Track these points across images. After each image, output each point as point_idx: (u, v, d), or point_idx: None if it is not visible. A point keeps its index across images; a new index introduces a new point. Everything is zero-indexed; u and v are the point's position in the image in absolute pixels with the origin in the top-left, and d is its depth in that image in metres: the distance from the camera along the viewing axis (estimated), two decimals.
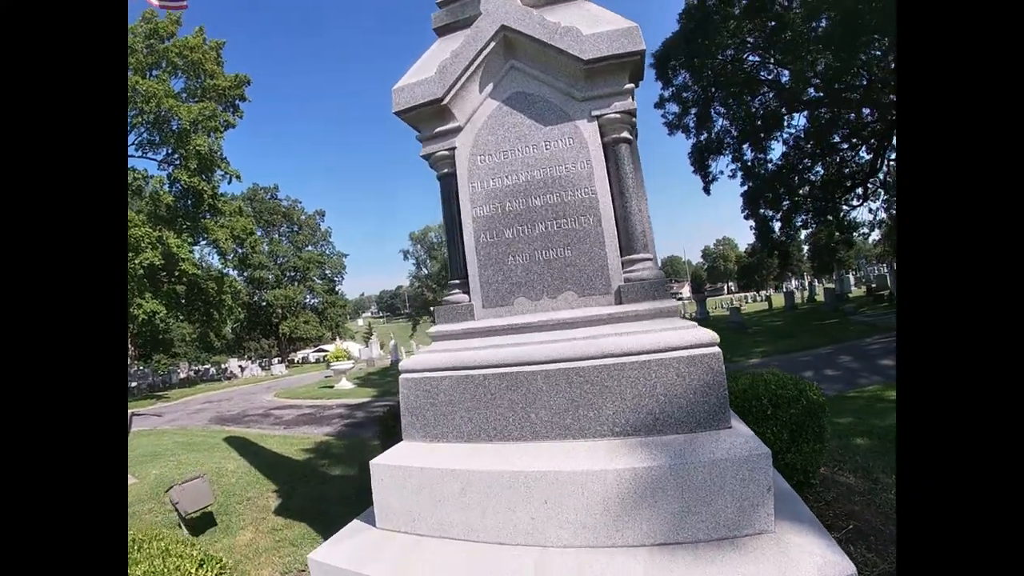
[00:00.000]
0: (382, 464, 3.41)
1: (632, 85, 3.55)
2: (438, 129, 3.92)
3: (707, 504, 2.57)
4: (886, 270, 36.41)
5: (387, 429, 6.39)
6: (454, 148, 3.89)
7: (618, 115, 3.45)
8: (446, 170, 3.95)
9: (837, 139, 25.29)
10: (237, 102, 30.05)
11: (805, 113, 24.84)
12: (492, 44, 3.65)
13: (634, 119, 3.66)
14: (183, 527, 5.71)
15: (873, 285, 33.96)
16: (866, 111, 23.41)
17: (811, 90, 22.92)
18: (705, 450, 2.68)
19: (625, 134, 3.60)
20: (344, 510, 5.42)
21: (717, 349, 2.99)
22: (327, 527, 5.00)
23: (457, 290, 3.91)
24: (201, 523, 5.92)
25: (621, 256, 3.54)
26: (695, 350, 2.98)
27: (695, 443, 2.78)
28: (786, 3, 21.86)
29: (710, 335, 3.04)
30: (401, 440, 3.73)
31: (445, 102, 3.77)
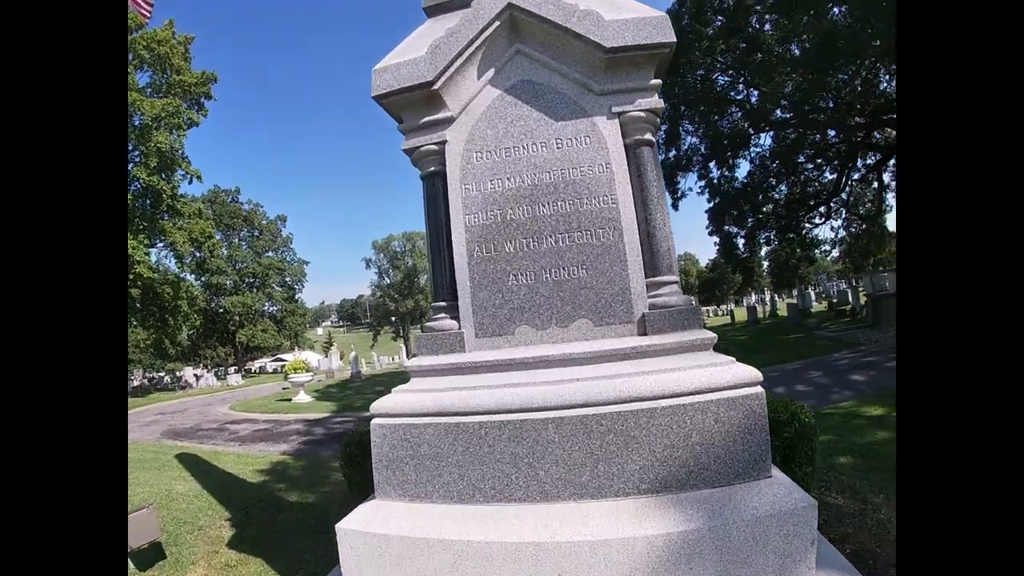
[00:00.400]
0: (352, 530, 2.77)
1: (658, 81, 3.08)
2: (426, 119, 3.29)
3: (747, 565, 2.31)
4: (846, 286, 37.75)
5: (351, 460, 5.66)
6: (444, 142, 3.27)
7: (642, 113, 3.06)
8: (432, 168, 3.31)
9: (802, 159, 26.06)
10: (203, 100, 29.43)
11: (772, 133, 25.37)
12: (496, 24, 3.15)
13: (659, 120, 3.20)
14: (129, 560, 4.99)
15: (834, 300, 34.69)
16: (831, 133, 24.15)
17: (778, 111, 23.33)
18: (747, 506, 2.40)
19: (649, 135, 3.12)
20: (302, 544, 5.16)
21: (760, 389, 2.68)
22: (284, 565, 4.80)
23: (443, 314, 3.25)
24: (149, 555, 5.27)
25: (645, 278, 3.01)
26: (736, 391, 2.63)
27: (734, 498, 2.47)
28: (757, 26, 22.17)
29: (752, 373, 2.70)
30: (373, 496, 3.06)
31: (436, 87, 3.15)
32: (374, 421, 3.04)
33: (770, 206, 26.66)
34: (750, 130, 25.07)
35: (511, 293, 3.08)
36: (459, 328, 3.16)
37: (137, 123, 25.81)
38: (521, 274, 3.07)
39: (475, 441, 2.79)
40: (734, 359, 2.87)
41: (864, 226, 28.22)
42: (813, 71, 18.46)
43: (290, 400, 20.84)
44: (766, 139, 25.88)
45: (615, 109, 3.04)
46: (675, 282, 3.07)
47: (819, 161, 25.88)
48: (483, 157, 3.19)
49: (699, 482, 2.56)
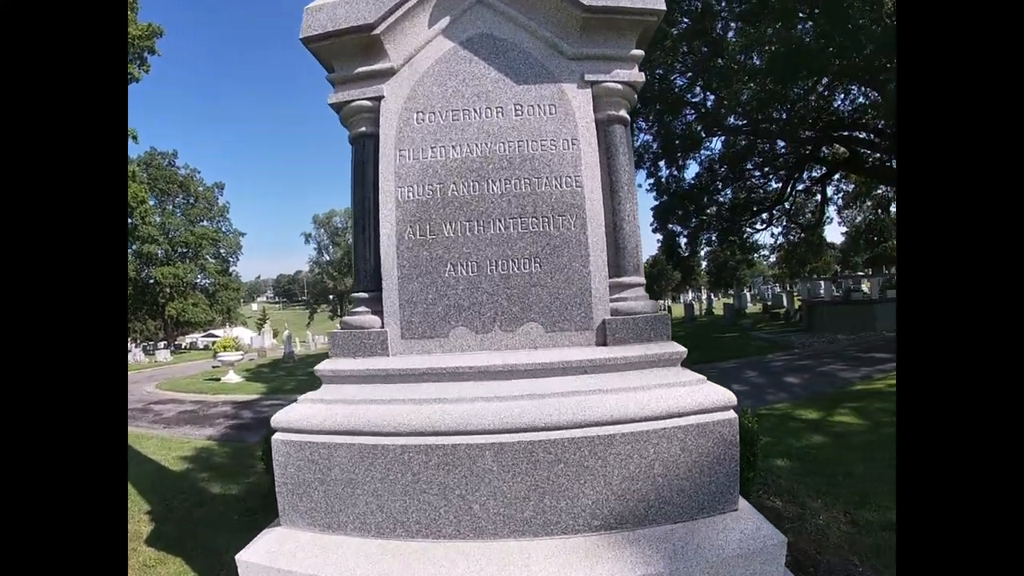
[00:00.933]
0: (253, 563, 2.29)
1: (640, 52, 2.72)
2: (361, 69, 2.74)
3: None
4: (780, 290, 38.87)
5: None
6: (380, 98, 2.71)
7: (619, 86, 2.71)
8: (363, 129, 2.76)
9: (750, 166, 26.53)
10: (145, 54, 27.58)
11: (723, 138, 25.87)
12: None
13: (636, 96, 2.82)
14: None
15: (769, 303, 35.00)
16: (781, 144, 24.57)
17: (732, 118, 23.77)
18: (712, 545, 2.16)
19: (624, 112, 2.76)
20: (225, 540, 4.73)
21: (733, 414, 2.40)
22: (205, 564, 4.42)
23: (364, 308, 2.70)
24: None
25: (609, 278, 2.57)
26: (707, 415, 2.34)
27: (698, 535, 2.22)
28: (721, 32, 22.35)
29: (725, 395, 2.43)
30: (277, 522, 2.53)
31: (378, 31, 2.62)
32: (276, 437, 2.49)
33: (714, 208, 27.00)
34: (702, 133, 25.41)
35: (447, 287, 2.55)
36: (382, 326, 2.61)
37: None
38: (461, 264, 2.55)
39: (396, 467, 2.27)
40: (704, 377, 2.53)
41: (803, 235, 29.13)
42: (773, 82, 18.57)
43: (219, 380, 19.96)
44: (717, 143, 26.19)
45: (588, 77, 2.65)
46: (641, 284, 2.67)
47: (766, 170, 26.43)
48: (425, 119, 2.65)
49: (659, 517, 2.26)
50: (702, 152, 26.08)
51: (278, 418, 2.52)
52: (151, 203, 39.32)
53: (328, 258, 75.16)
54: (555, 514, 2.22)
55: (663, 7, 2.65)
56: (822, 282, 23.14)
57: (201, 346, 47.77)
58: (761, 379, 12.86)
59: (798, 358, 15.48)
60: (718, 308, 37.80)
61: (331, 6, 2.70)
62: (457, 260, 2.55)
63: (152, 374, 27.02)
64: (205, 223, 54.68)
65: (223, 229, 56.59)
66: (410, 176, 2.61)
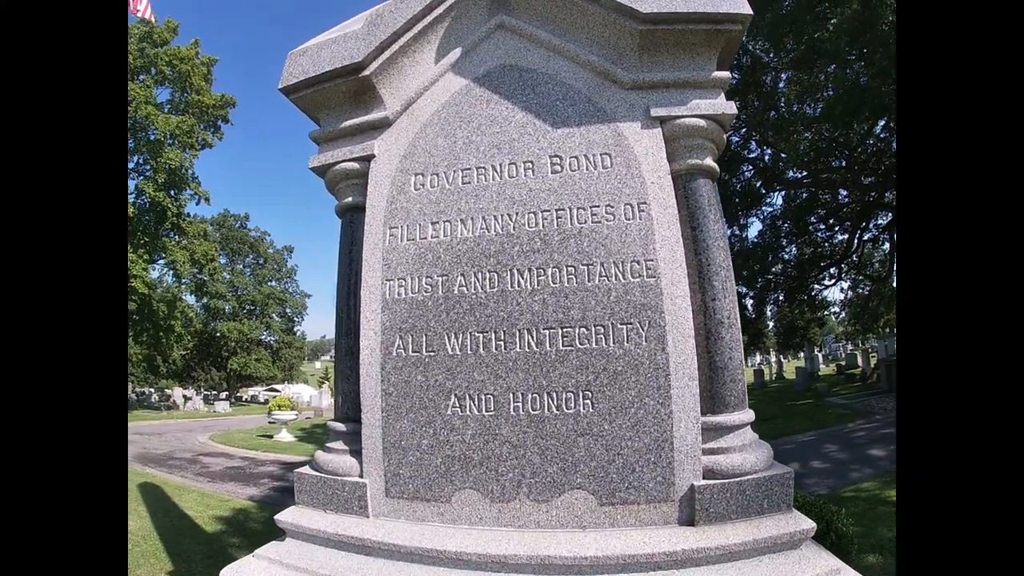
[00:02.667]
0: None
1: (725, 74, 1.95)
2: (349, 121, 2.11)
3: None
4: (853, 349, 37.23)
5: None
6: (370, 158, 2.03)
7: (702, 121, 1.89)
8: (350, 199, 2.11)
9: (814, 220, 25.86)
10: (220, 123, 29.03)
11: (783, 192, 25.59)
12: None
13: (725, 136, 2.00)
14: None
15: (843, 363, 33.80)
16: (843, 193, 23.90)
17: (791, 171, 23.50)
18: None
19: (710, 161, 1.94)
20: None
21: None
22: None
23: (339, 444, 1.96)
24: None
25: (702, 415, 1.68)
26: None
27: None
28: (771, 84, 22.22)
29: None
30: None
31: (368, 71, 2.00)
32: None
33: (779, 266, 26.33)
34: (762, 189, 25.25)
35: (450, 430, 1.74)
36: (361, 475, 1.83)
37: (151, 138, 25.81)
38: (471, 397, 1.74)
39: None
40: (842, 565, 1.65)
41: (873, 287, 27.90)
42: (831, 128, 18.05)
43: (271, 437, 19.98)
44: (778, 198, 25.61)
45: (656, 112, 1.88)
46: (748, 423, 1.78)
47: (831, 221, 25.79)
48: (426, 184, 1.92)
49: None
50: (764, 208, 25.25)
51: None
52: (221, 261, 41.67)
53: None
54: None
55: (748, 10, 1.89)
56: None
57: (262, 400, 49.28)
58: (842, 453, 11.88)
59: (881, 426, 14.37)
60: (789, 371, 36.72)
61: (315, 48, 2.13)
62: (464, 391, 1.75)
63: (208, 424, 27.63)
64: (273, 283, 57.28)
65: (290, 290, 59.11)
66: (402, 265, 1.86)
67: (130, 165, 27.30)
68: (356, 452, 1.87)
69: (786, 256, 25.91)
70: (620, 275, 1.73)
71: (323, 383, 43.28)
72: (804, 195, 23.96)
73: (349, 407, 1.92)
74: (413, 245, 1.87)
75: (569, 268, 1.75)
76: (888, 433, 12.75)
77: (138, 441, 18.73)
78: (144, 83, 25.44)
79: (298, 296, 59.08)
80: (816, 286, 26.94)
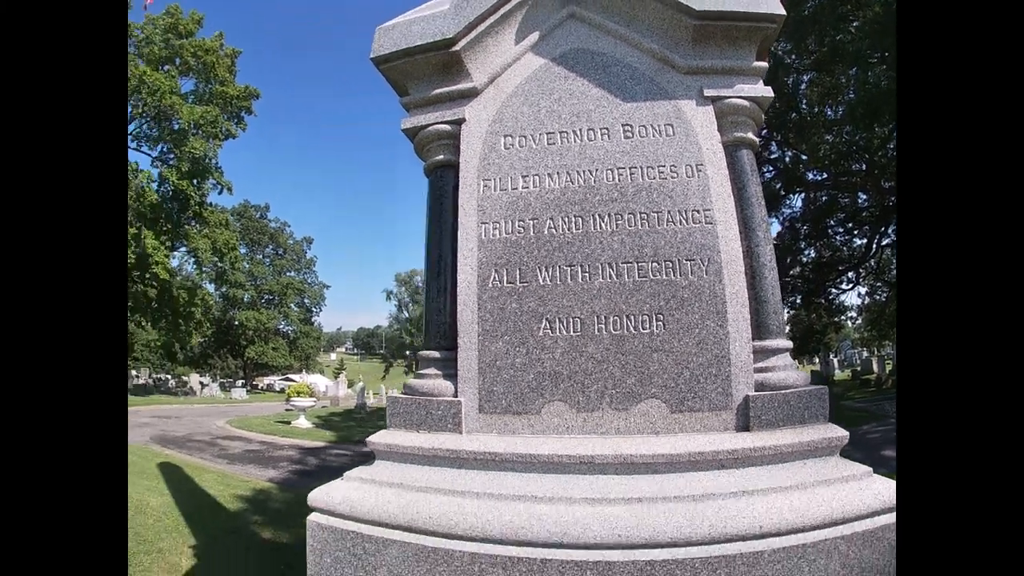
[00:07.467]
0: None
1: (763, 64, 2.34)
2: (439, 90, 2.39)
3: None
4: (868, 354, 37.32)
5: None
6: (460, 121, 2.33)
7: (745, 102, 2.27)
8: (441, 156, 2.38)
9: (833, 223, 25.37)
10: (243, 114, 29.37)
11: (803, 195, 25.13)
12: None
13: (763, 116, 2.37)
14: None
15: (858, 368, 33.80)
16: (863, 196, 23.40)
17: (811, 173, 23.15)
18: None
19: (751, 135, 2.31)
20: None
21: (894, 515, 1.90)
22: None
23: (433, 370, 2.23)
24: None
25: (752, 340, 2.01)
26: (874, 520, 1.83)
27: None
28: (792, 84, 21.94)
29: (891, 490, 1.92)
30: None
31: (458, 47, 2.29)
32: (312, 518, 2.04)
33: (797, 269, 25.80)
34: (782, 191, 24.75)
35: (542, 349, 2.03)
36: (455, 395, 2.12)
37: (175, 127, 26.11)
38: (560, 321, 2.03)
39: None
40: (871, 469, 1.99)
41: (891, 293, 27.32)
42: (854, 130, 17.86)
43: (289, 423, 20.15)
44: (797, 200, 25.17)
45: (708, 92, 2.24)
46: (788, 349, 2.11)
47: (850, 225, 25.29)
48: (515, 144, 2.23)
49: None
50: (783, 210, 24.82)
51: (316, 496, 2.07)
52: (242, 251, 41.82)
53: (407, 315, 76.65)
54: None
55: (782, 11, 2.28)
56: None
57: (277, 388, 49.49)
58: (857, 454, 12.42)
59: (895, 428, 14.78)
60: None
61: (405, 24, 2.42)
62: (555, 315, 2.04)
63: (225, 410, 27.70)
64: (292, 273, 57.97)
65: (308, 280, 59.85)
66: (496, 210, 2.17)
67: (153, 153, 27.78)
68: (449, 376, 2.17)
69: (804, 259, 25.60)
70: (683, 221, 2.06)
71: (339, 374, 43.74)
72: (824, 198, 23.72)
73: (441, 337, 2.22)
74: (505, 195, 2.18)
75: (642, 214, 2.07)
76: None
77: (156, 424, 18.94)
78: (169, 73, 25.75)
79: (316, 287, 59.91)
80: (833, 290, 26.51)
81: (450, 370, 2.18)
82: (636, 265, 2.02)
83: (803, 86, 20.20)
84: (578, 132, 2.19)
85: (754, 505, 1.73)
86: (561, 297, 2.04)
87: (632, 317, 1.99)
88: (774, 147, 23.45)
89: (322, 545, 1.96)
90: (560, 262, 2.06)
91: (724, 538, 1.66)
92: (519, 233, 2.12)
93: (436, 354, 2.22)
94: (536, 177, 2.16)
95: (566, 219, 2.10)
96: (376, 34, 2.46)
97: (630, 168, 2.11)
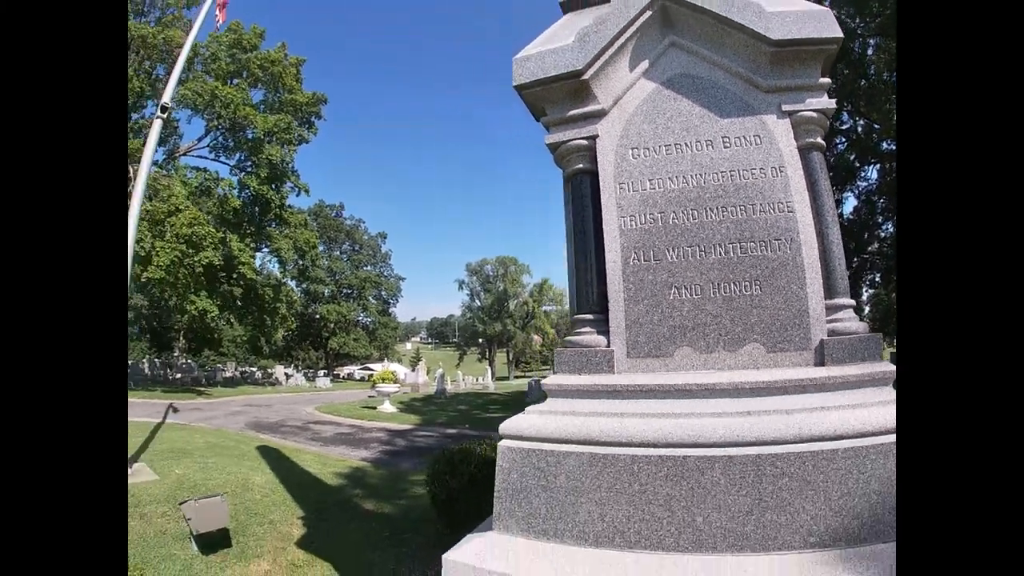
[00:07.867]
0: (462, 563, 2.50)
1: (828, 80, 2.83)
2: (573, 112, 3.05)
3: None
4: None
5: (437, 477, 5.43)
6: (595, 137, 3.00)
7: (814, 114, 2.83)
8: (580, 165, 3.05)
9: None
10: (312, 119, 30.45)
11: (878, 166, 23.50)
12: (647, 13, 2.95)
13: (828, 123, 2.91)
14: (194, 542, 5.07)
15: None
16: None
17: (885, 142, 21.74)
18: None
19: (820, 139, 2.85)
20: (373, 555, 5.13)
21: None
22: (352, 574, 4.75)
23: (588, 328, 2.93)
24: (214, 540, 5.25)
25: (824, 299, 2.65)
26: None
27: None
28: (859, 50, 20.62)
29: None
30: (483, 529, 2.80)
31: (586, 77, 2.93)
32: (503, 443, 2.75)
33: (876, 245, 24.75)
34: (856, 163, 23.24)
35: (672, 309, 2.73)
36: (608, 345, 2.83)
37: (250, 136, 27.40)
38: (685, 287, 2.73)
39: (625, 477, 2.44)
40: None
41: None
42: None
43: (375, 408, 21.01)
44: (872, 172, 23.85)
45: (785, 107, 2.78)
46: (852, 306, 2.70)
47: None
48: (640, 155, 2.90)
49: (871, 536, 2.21)
50: (858, 183, 23.90)
51: (507, 426, 2.78)
52: (320, 248, 43.38)
53: (479, 304, 77.62)
54: (774, 529, 2.24)
55: (841, 33, 2.75)
56: None
57: (358, 377, 51.08)
58: None
59: None
60: (885, 357, 35.55)
61: (538, 56, 3.03)
62: (681, 284, 2.72)
63: (312, 398, 28.72)
64: (368, 268, 60.45)
65: (384, 274, 62.16)
66: (631, 207, 2.86)
67: (233, 162, 29.15)
68: (602, 332, 2.85)
69: (882, 234, 24.40)
70: (771, 210, 2.68)
71: (417, 362, 44.92)
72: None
73: (591, 303, 2.91)
74: (637, 194, 2.85)
75: (740, 207, 2.70)
76: None
77: (249, 411, 20.12)
78: (239, 86, 26.79)
79: (392, 279, 61.97)
80: None
81: (602, 328, 2.86)
82: (739, 244, 2.67)
83: (870, 51, 19.51)
84: (688, 144, 2.82)
85: (829, 417, 2.33)
86: (685, 270, 2.72)
87: (737, 283, 2.65)
88: (845, 116, 22.23)
89: (510, 464, 2.67)
90: (683, 244, 2.74)
91: (808, 438, 2.28)
92: (651, 223, 2.80)
93: (589, 316, 2.93)
94: (659, 180, 2.83)
95: (685, 212, 2.76)
96: (514, 65, 3.08)
97: (730, 171, 2.74)
